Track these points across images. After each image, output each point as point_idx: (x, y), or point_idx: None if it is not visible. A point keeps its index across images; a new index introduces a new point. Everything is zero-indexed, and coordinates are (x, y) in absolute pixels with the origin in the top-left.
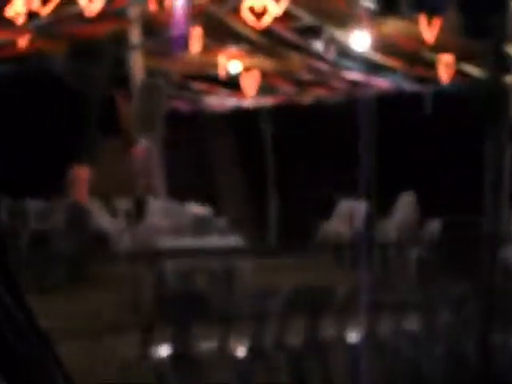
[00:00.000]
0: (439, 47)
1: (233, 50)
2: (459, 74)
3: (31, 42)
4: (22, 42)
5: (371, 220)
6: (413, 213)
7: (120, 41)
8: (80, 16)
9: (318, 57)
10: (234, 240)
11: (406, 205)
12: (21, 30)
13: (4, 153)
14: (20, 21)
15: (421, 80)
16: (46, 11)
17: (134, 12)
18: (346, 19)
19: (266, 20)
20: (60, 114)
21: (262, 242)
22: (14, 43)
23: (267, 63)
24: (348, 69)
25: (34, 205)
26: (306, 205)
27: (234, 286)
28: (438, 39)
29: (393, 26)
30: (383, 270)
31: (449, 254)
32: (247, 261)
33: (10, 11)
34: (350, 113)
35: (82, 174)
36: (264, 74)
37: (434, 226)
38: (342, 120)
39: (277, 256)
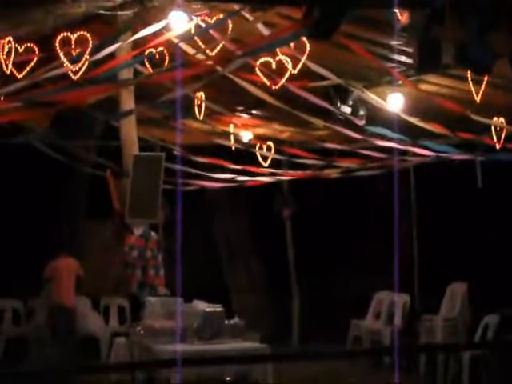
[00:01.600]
0: (489, 108)
1: (244, 116)
2: None
3: (6, 112)
4: None
5: (414, 316)
6: (464, 307)
7: (110, 108)
8: (62, 81)
9: (346, 123)
10: (250, 344)
11: (455, 297)
12: None
13: None
14: None
15: (468, 147)
16: (22, 75)
17: (125, 75)
18: (377, 77)
19: (283, 80)
20: (41, 195)
21: (283, 345)
22: None
23: (284, 131)
24: (380, 136)
25: (10, 305)
26: (334, 299)
27: None
28: (487, 99)
29: (433, 85)
30: (430, 374)
31: (508, 355)
32: (266, 368)
33: None
34: (385, 187)
35: (66, 267)
36: (281, 144)
37: (490, 321)
38: (375, 196)
39: (301, 362)
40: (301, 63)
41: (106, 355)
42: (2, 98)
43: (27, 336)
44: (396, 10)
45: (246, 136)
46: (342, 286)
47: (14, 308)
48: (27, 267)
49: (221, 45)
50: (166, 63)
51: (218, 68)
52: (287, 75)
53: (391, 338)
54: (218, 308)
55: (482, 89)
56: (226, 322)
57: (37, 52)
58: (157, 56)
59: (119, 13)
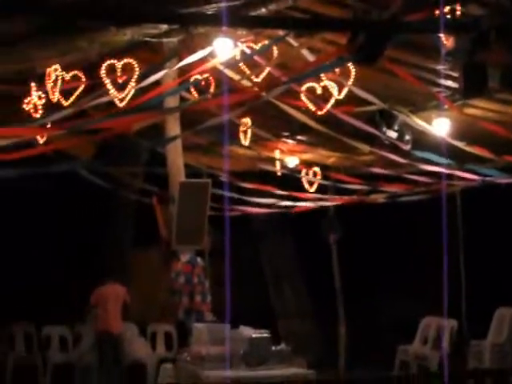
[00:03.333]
0: None
1: (289, 142)
2: None
3: (52, 139)
4: (42, 140)
5: (462, 341)
6: None
7: (156, 135)
8: (108, 108)
9: (391, 147)
10: (296, 370)
11: (503, 322)
12: (40, 126)
13: (21, 272)
14: (37, 115)
15: None
16: (68, 103)
17: (171, 102)
18: (423, 102)
19: (328, 105)
20: (88, 223)
21: (330, 371)
22: (32, 141)
23: (330, 157)
24: (426, 161)
25: (57, 332)
26: (381, 323)
27: None
28: None
29: (479, 109)
30: None
31: None
32: None
33: (27, 104)
34: (431, 212)
35: (113, 293)
36: (327, 170)
37: None
38: (421, 221)
39: None
40: (346, 88)
41: (152, 382)
42: (48, 126)
43: (74, 362)
44: (441, 35)
45: (292, 161)
46: (388, 311)
47: (61, 335)
48: (74, 294)
49: (266, 71)
50: (212, 90)
51: (264, 94)
52: (332, 100)
53: (439, 363)
54: (265, 334)
55: None
56: (273, 347)
57: (83, 80)
58: (202, 82)
59: (165, 40)
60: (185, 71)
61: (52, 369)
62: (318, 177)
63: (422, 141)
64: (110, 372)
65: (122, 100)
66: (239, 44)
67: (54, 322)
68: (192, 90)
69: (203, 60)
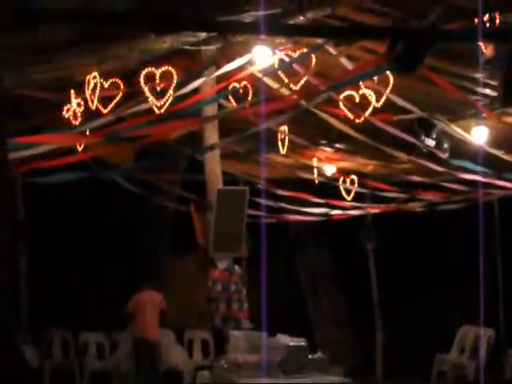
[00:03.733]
0: None
1: (327, 150)
2: None
3: (92, 147)
4: (80, 147)
5: (499, 350)
6: None
7: (194, 143)
8: (147, 116)
9: (430, 156)
10: (333, 378)
11: None
12: (80, 133)
13: (61, 278)
14: (77, 123)
15: None
16: (107, 111)
17: (209, 110)
18: (461, 110)
19: (366, 113)
20: (125, 230)
21: (367, 380)
22: (71, 149)
23: (368, 165)
24: (465, 169)
25: (94, 339)
26: (418, 332)
27: None
28: None
29: None
30: None
31: None
32: None
33: (67, 112)
34: (469, 220)
35: (150, 300)
36: (365, 178)
37: None
38: (458, 229)
39: None
40: (384, 97)
41: None
42: (87, 133)
43: (111, 369)
44: (480, 43)
45: (330, 169)
46: (425, 320)
47: (98, 341)
48: (111, 301)
49: (304, 79)
50: (250, 97)
51: (302, 102)
52: (371, 109)
53: (476, 373)
54: (302, 342)
55: None
56: (310, 356)
57: (121, 87)
58: (240, 90)
59: (203, 48)
60: (223, 79)
61: (89, 375)
62: (356, 185)
63: (460, 149)
64: (146, 379)
65: (160, 107)
66: (277, 52)
67: (91, 328)
68: (230, 98)
69: (241, 68)
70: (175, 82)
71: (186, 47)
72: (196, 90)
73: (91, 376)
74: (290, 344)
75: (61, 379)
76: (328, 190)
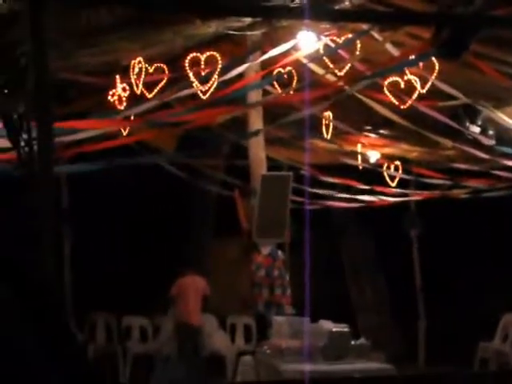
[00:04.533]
0: None
1: (371, 136)
2: None
3: (136, 131)
4: (125, 132)
5: None
6: None
7: (238, 128)
8: (191, 101)
9: (474, 142)
10: (375, 365)
11: None
12: (124, 118)
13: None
14: (122, 107)
15: None
16: (152, 96)
17: (253, 96)
18: (507, 97)
19: (411, 100)
20: (170, 215)
21: (409, 367)
22: (116, 133)
23: (412, 151)
24: (510, 156)
25: (137, 323)
26: (461, 320)
27: None
28: None
29: None
30: None
31: None
32: None
33: (112, 96)
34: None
35: (193, 285)
36: (409, 164)
37: None
38: (504, 216)
39: None
40: (429, 83)
41: (231, 374)
42: (131, 118)
43: (153, 353)
44: None
45: (374, 155)
46: (469, 307)
47: (141, 325)
48: (155, 285)
49: (349, 65)
50: (295, 83)
51: (347, 88)
52: (416, 95)
53: None
54: (345, 328)
55: None
56: (352, 342)
57: (166, 72)
58: (285, 76)
59: (248, 33)
60: (268, 64)
61: (132, 359)
62: (400, 171)
63: (506, 136)
64: (189, 363)
65: (205, 93)
66: (322, 37)
67: (134, 312)
68: (275, 83)
69: (286, 53)
70: (220, 67)
71: (231, 32)
72: (241, 76)
73: (134, 360)
74: (333, 330)
75: (104, 363)
76: (372, 176)
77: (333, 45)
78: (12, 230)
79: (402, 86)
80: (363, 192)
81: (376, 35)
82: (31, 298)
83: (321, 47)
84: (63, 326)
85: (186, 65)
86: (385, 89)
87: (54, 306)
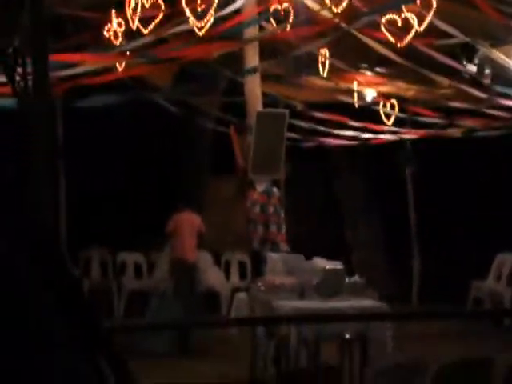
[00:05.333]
0: None
1: (368, 74)
2: None
3: (131, 67)
4: (121, 67)
5: None
6: None
7: (234, 65)
8: (188, 37)
9: (471, 81)
10: (369, 302)
11: None
12: (119, 53)
13: (100, 199)
14: (117, 43)
15: None
16: (148, 31)
17: (250, 32)
18: (504, 36)
19: (408, 38)
20: (164, 150)
21: (402, 304)
22: (111, 68)
23: (409, 90)
24: (506, 95)
25: (131, 259)
26: (455, 259)
27: (369, 357)
28: None
29: None
30: None
31: None
32: (385, 327)
33: (107, 32)
34: (510, 147)
35: (188, 221)
36: (405, 103)
37: None
38: (499, 156)
39: (421, 321)
40: (427, 21)
41: (226, 310)
42: (127, 54)
43: (148, 289)
44: None
45: (370, 94)
46: (462, 247)
47: (136, 261)
48: (150, 221)
49: (346, 1)
50: (291, 20)
51: (343, 25)
52: (413, 33)
53: None
54: (339, 265)
55: None
56: (346, 279)
57: (163, 8)
58: (282, 12)
59: None
60: (264, 1)
61: (127, 295)
62: (396, 109)
63: (503, 75)
64: (185, 300)
65: (201, 28)
66: None
67: (129, 248)
68: (271, 19)
69: None
70: (216, 3)
71: None
72: (237, 12)
73: (129, 296)
74: (327, 267)
75: (99, 298)
76: (368, 114)
77: None
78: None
79: (399, 23)
80: (358, 130)
81: None
82: (26, 233)
83: None
84: (60, 260)
85: (182, 0)
86: (382, 26)
87: (50, 241)
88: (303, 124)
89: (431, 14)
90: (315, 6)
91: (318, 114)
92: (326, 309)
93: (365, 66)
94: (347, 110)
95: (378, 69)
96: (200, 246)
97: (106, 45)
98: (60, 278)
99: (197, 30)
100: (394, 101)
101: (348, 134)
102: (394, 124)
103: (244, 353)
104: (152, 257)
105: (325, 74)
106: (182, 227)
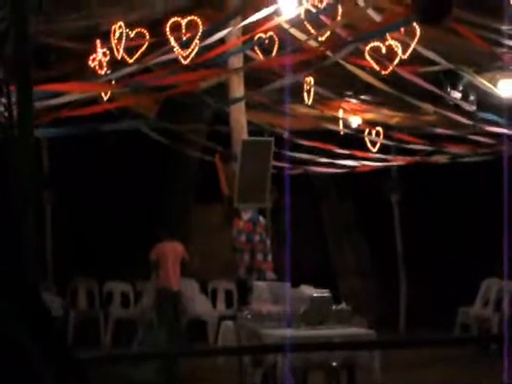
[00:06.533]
0: None
1: (353, 101)
2: None
3: (117, 96)
4: (106, 96)
5: None
6: None
7: (220, 94)
8: (172, 66)
9: (456, 108)
10: (357, 330)
11: None
12: (105, 82)
13: (87, 230)
14: (102, 72)
15: None
16: (132, 60)
17: (235, 61)
18: (488, 63)
19: (393, 65)
20: (150, 180)
21: (390, 331)
22: (98, 100)
23: (394, 117)
24: (491, 122)
25: (118, 288)
26: (442, 285)
27: None
28: None
29: None
30: None
31: None
32: (373, 355)
33: (92, 61)
34: (494, 173)
35: (171, 250)
36: (390, 130)
37: None
38: (484, 182)
39: (408, 348)
40: (411, 48)
41: (213, 338)
42: (112, 83)
43: (135, 318)
44: None
45: (355, 121)
46: (449, 272)
47: (123, 291)
48: (137, 250)
49: (331, 30)
50: (276, 49)
51: (329, 54)
52: (397, 60)
53: (499, 326)
54: (326, 293)
55: None
56: (334, 307)
57: (147, 37)
58: (266, 41)
59: None
60: (249, 29)
61: (113, 324)
62: (381, 137)
63: (487, 102)
64: (170, 328)
65: (186, 58)
66: (304, 2)
67: (115, 278)
68: (256, 49)
69: (267, 18)
70: (201, 32)
71: None
72: (222, 41)
73: (116, 325)
74: (314, 295)
75: (85, 328)
76: (353, 141)
77: (314, 10)
78: None
79: (384, 51)
80: (344, 157)
81: (358, 0)
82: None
83: (302, 12)
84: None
85: (167, 30)
86: (366, 54)
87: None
88: (289, 152)
89: (415, 41)
90: (300, 35)
91: (304, 142)
92: (313, 337)
93: (349, 93)
94: (333, 137)
95: (362, 96)
96: (184, 273)
97: (90, 74)
98: (29, 309)
99: (182, 59)
100: (379, 128)
101: (334, 162)
102: (380, 151)
103: (231, 381)
104: (139, 286)
105: (309, 102)
106: (165, 256)
